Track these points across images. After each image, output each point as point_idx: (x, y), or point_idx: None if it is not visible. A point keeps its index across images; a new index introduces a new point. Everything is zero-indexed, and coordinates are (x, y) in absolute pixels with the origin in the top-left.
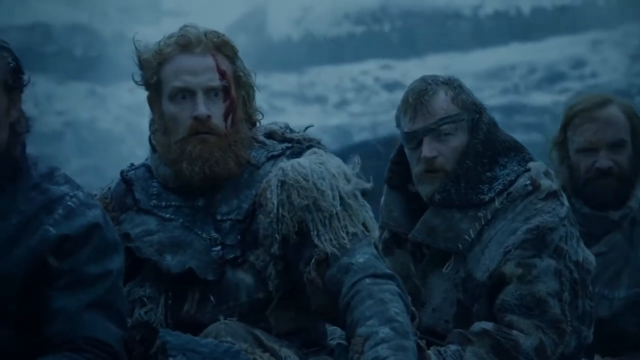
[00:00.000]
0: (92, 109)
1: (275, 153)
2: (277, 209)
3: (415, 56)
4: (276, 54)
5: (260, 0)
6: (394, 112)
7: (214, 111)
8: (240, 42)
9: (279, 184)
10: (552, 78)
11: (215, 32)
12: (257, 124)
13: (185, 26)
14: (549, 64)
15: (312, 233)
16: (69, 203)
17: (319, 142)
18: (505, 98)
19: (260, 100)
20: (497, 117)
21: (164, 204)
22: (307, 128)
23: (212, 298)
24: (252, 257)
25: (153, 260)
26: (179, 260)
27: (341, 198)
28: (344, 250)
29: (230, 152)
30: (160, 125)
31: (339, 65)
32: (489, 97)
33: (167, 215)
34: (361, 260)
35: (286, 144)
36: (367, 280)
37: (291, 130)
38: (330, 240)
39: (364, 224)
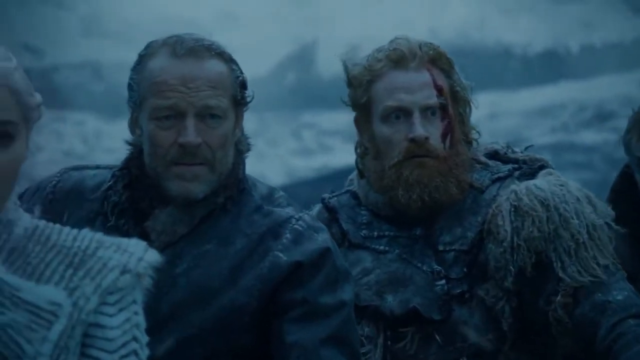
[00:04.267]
0: None
1: (502, 175)
2: (511, 238)
3: None
4: (325, 92)
5: (309, 39)
6: None
7: (431, 131)
8: (289, 80)
9: (512, 209)
10: (602, 116)
11: (429, 43)
12: (474, 144)
13: (396, 38)
14: (599, 103)
15: (555, 265)
16: (296, 226)
17: (547, 162)
18: (554, 137)
19: (309, 138)
20: (547, 156)
21: (376, 234)
22: (527, 147)
23: (437, 338)
24: (481, 291)
25: (374, 305)
26: (401, 299)
27: (587, 225)
28: (595, 285)
29: (451, 176)
30: (371, 149)
31: None
32: (538, 135)
33: (381, 247)
34: (620, 297)
35: (512, 165)
36: (631, 322)
37: (513, 150)
38: (579, 272)
39: (613, 256)
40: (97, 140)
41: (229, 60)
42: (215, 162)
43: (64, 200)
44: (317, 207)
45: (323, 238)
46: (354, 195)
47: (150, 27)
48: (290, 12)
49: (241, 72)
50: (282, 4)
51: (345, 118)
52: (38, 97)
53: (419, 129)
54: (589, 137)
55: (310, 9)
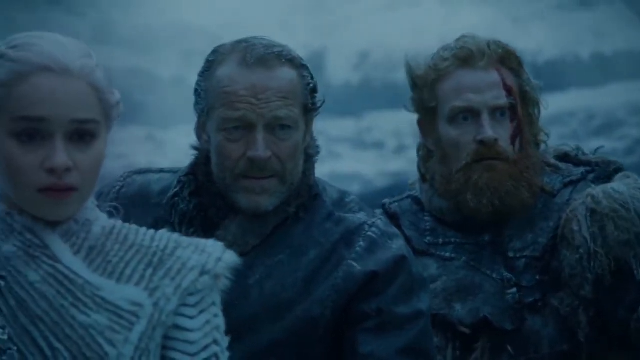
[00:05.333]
0: (150, 153)
1: (574, 178)
2: (589, 244)
3: None
4: (334, 99)
5: (319, 46)
6: None
7: (500, 133)
8: None
9: (589, 214)
10: (611, 125)
11: (498, 41)
12: (542, 146)
13: (463, 36)
14: (608, 111)
15: (636, 272)
16: (369, 233)
17: (622, 165)
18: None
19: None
20: None
21: (441, 240)
22: (597, 149)
23: (509, 348)
24: (554, 300)
25: (442, 314)
26: (470, 308)
27: None
28: None
29: (523, 179)
30: (437, 152)
31: (397, 111)
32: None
33: (447, 254)
34: None
35: (584, 168)
36: None
37: (583, 152)
38: None
39: None
40: (107, 146)
41: (299, 66)
42: (285, 174)
43: (129, 206)
44: (377, 213)
45: (398, 245)
46: (417, 200)
47: (159, 34)
48: (300, 19)
49: (312, 78)
50: (291, 12)
51: (353, 125)
52: (117, 95)
53: (488, 131)
54: (598, 145)
55: (320, 17)
